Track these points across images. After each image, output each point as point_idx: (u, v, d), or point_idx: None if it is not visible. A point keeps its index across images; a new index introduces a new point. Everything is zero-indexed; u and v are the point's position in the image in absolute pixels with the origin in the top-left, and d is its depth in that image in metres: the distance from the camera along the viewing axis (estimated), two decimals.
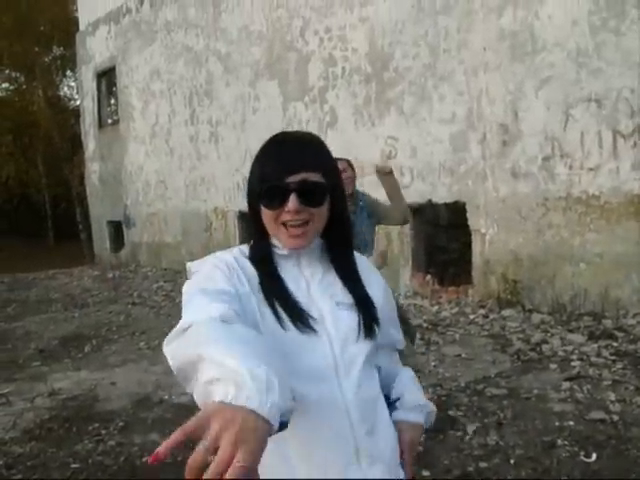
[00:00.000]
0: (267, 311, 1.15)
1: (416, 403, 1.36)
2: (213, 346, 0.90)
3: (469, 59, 6.69)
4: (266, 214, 1.18)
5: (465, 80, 6.74)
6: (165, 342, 1.05)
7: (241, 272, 1.19)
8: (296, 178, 1.14)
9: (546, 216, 6.15)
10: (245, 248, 1.27)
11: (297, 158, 1.17)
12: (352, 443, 1.15)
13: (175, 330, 1.04)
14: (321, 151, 1.23)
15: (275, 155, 1.19)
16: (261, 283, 1.18)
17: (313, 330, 1.16)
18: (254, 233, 1.26)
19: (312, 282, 1.23)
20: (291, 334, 1.15)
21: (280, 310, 1.16)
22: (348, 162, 3.63)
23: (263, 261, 1.22)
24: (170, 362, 1.00)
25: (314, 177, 1.16)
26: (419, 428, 1.35)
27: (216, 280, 1.15)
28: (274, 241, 1.22)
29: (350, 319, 1.21)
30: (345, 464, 1.14)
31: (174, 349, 1.01)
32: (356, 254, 1.34)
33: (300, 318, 1.16)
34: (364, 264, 1.35)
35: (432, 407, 1.40)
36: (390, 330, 1.37)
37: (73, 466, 3.48)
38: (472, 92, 6.68)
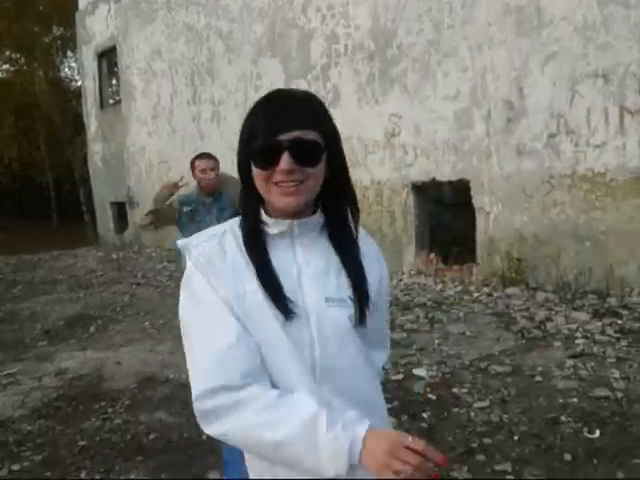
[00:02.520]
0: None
1: None
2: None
3: (474, 35, 6.59)
4: (257, 175, 1.11)
5: (470, 56, 6.65)
6: (206, 412, 1.08)
7: (222, 265, 1.14)
8: (289, 136, 1.06)
9: (551, 194, 6.11)
10: (235, 224, 1.20)
11: (290, 115, 1.09)
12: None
13: (204, 393, 1.06)
14: (317, 108, 1.14)
15: (266, 112, 1.11)
16: (257, 272, 1.13)
17: (296, 328, 1.11)
18: (245, 202, 1.18)
19: (304, 271, 1.15)
20: (273, 325, 1.10)
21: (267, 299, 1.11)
22: (217, 162, 3.83)
23: (254, 246, 1.14)
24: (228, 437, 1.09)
25: (310, 135, 1.08)
26: None
27: (207, 301, 1.11)
28: (264, 217, 1.15)
29: (339, 319, 1.14)
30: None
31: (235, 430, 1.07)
32: (362, 231, 1.24)
33: (285, 313, 1.10)
34: (367, 244, 1.24)
35: None
36: (378, 329, 1.27)
37: (81, 443, 3.52)
38: (476, 68, 6.60)
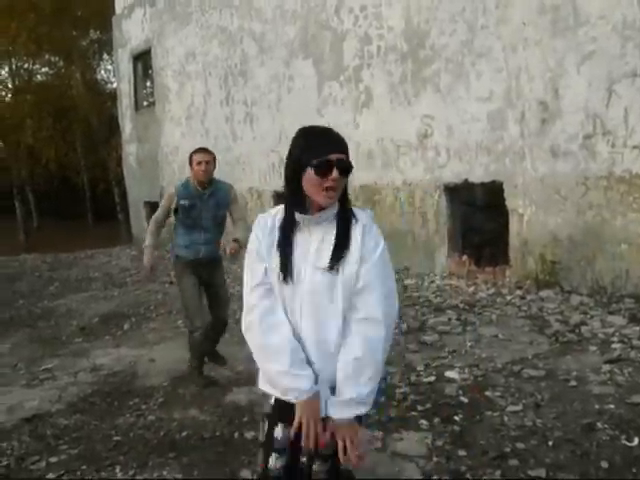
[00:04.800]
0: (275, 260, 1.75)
1: (349, 396, 1.69)
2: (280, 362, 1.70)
3: (508, 35, 6.51)
4: (312, 180, 1.67)
5: (503, 57, 6.57)
6: (243, 328, 1.80)
7: (269, 232, 1.78)
8: (338, 156, 1.67)
9: (586, 196, 6.00)
10: (281, 209, 1.79)
11: (338, 142, 1.71)
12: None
13: (244, 315, 1.80)
14: (344, 140, 1.74)
15: (324, 138, 1.72)
16: (279, 242, 1.75)
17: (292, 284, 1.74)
18: (291, 198, 1.74)
19: (311, 248, 1.74)
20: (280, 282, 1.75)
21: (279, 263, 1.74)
22: (214, 157, 4.21)
23: (287, 228, 1.75)
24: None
25: (345, 156, 1.70)
26: (353, 425, 1.72)
27: (256, 252, 1.79)
28: (296, 214, 1.73)
29: (320, 281, 1.72)
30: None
31: (251, 344, 1.80)
32: (366, 217, 1.78)
33: (286, 274, 1.73)
34: (368, 228, 1.75)
35: (370, 394, 1.71)
36: (365, 297, 1.71)
37: (115, 439, 3.59)
38: (511, 69, 6.52)
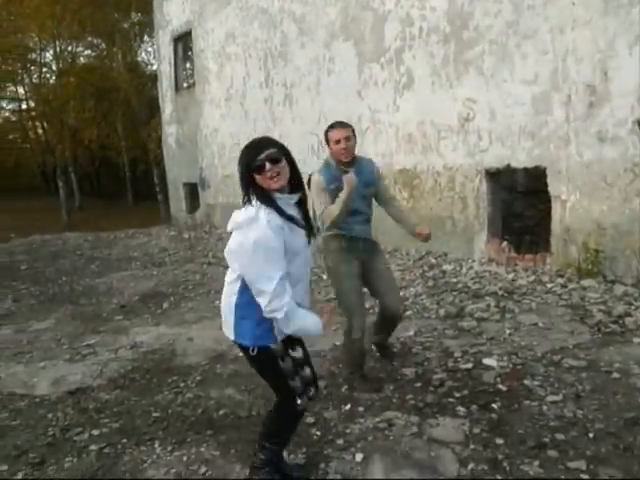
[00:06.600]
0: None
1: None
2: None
3: (556, 15, 6.30)
4: (259, 178, 2.37)
5: (550, 38, 6.37)
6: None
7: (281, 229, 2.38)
8: (265, 154, 2.35)
9: (634, 183, 5.80)
10: (256, 206, 2.39)
11: (264, 145, 2.40)
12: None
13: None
14: (273, 139, 2.46)
15: (252, 148, 2.41)
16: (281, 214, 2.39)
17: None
18: (260, 192, 2.39)
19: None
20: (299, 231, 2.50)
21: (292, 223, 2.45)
22: (352, 130, 3.65)
23: (275, 204, 2.40)
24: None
25: (274, 151, 2.37)
26: None
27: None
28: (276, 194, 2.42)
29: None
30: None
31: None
32: None
33: (299, 224, 2.49)
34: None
35: None
36: None
37: (155, 415, 3.67)
38: (557, 51, 6.32)
